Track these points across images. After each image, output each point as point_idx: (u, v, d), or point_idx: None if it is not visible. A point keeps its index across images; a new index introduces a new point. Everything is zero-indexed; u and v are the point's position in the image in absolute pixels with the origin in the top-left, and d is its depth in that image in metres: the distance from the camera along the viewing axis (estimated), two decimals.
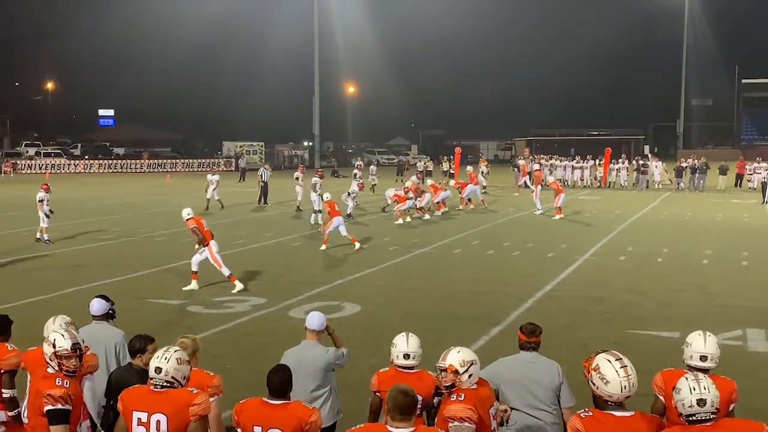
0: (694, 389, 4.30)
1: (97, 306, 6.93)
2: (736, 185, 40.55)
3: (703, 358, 5.42)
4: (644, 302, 13.47)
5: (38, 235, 20.88)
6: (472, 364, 5.14)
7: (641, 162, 42.81)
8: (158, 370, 4.92)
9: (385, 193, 28.00)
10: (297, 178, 29.43)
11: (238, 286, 14.32)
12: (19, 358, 6.08)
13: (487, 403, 5.17)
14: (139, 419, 4.87)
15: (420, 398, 5.55)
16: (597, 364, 4.62)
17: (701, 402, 4.28)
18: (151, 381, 4.96)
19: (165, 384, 4.91)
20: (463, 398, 4.98)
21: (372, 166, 45.03)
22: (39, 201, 21.01)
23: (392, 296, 14.14)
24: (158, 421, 4.82)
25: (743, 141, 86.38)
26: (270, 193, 31.95)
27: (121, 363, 6.61)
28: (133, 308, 12.91)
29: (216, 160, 69.52)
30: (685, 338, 5.62)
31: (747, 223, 25.44)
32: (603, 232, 22.63)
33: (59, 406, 5.13)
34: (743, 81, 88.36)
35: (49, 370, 5.34)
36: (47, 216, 20.84)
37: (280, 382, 5.12)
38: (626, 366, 4.58)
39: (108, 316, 6.96)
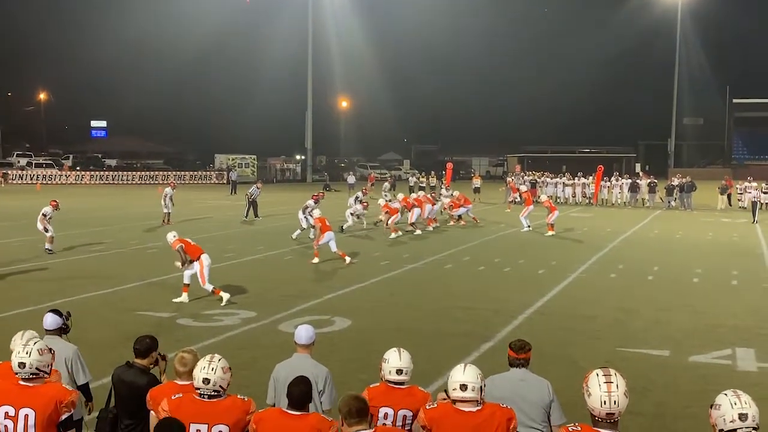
0: (735, 404, 4.31)
1: (50, 320, 6.78)
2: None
3: None
4: (634, 320, 13.47)
5: (47, 246, 20.72)
6: None
7: (633, 180, 43.05)
8: (206, 381, 5.20)
9: (378, 202, 27.98)
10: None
11: (225, 297, 14.27)
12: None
13: None
14: (197, 430, 5.13)
15: (410, 413, 5.55)
16: (588, 377, 4.63)
17: (742, 416, 4.28)
18: (198, 391, 5.23)
19: (212, 393, 5.21)
20: None
21: (386, 183, 44.26)
22: (43, 215, 20.78)
23: (383, 311, 14.11)
24: (220, 431, 5.15)
25: (734, 160, 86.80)
26: (260, 207, 31.90)
27: (75, 378, 6.58)
28: (122, 320, 12.90)
29: (208, 173, 69.56)
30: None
31: (737, 242, 25.50)
32: (594, 250, 22.67)
33: None
34: (735, 100, 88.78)
35: None
36: (46, 231, 20.68)
37: (300, 394, 5.18)
38: (612, 383, 4.50)
39: (61, 331, 6.82)
